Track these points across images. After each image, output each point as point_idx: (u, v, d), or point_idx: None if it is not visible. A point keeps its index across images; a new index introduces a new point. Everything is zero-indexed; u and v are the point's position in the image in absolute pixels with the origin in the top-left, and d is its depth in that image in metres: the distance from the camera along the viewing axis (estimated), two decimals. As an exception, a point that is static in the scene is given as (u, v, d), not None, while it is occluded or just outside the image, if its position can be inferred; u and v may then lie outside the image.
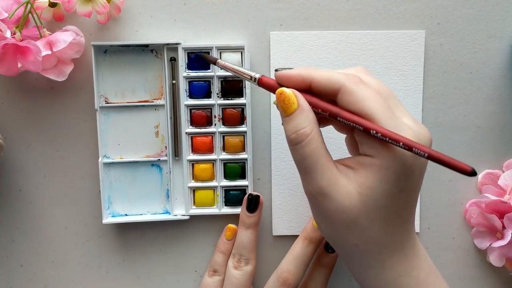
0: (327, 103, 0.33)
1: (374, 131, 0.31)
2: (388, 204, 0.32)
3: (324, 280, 0.44)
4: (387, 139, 0.30)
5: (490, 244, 0.44)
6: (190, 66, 0.43)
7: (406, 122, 0.32)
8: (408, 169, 0.31)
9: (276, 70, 0.35)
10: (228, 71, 0.38)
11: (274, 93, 0.34)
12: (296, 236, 0.44)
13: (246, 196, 0.44)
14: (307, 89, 0.33)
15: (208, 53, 0.43)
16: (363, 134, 0.32)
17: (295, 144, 0.33)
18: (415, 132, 0.31)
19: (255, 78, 0.36)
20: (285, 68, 0.35)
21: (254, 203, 0.43)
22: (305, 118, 0.33)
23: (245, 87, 0.43)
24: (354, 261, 0.34)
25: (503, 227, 0.43)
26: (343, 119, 0.32)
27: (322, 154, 0.32)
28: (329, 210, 0.32)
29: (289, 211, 0.45)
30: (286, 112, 0.33)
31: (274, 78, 0.35)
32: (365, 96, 0.31)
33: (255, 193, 0.44)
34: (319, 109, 0.33)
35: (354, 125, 0.32)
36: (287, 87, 0.34)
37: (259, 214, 0.44)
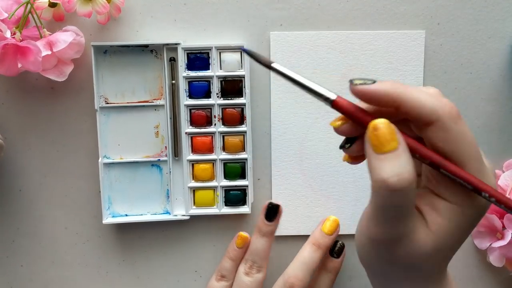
0: (431, 151, 0.28)
1: (487, 194, 0.27)
2: (456, 247, 0.30)
3: (329, 285, 0.44)
4: (491, 198, 0.28)
5: (490, 244, 0.44)
6: (190, 66, 0.43)
7: (488, 166, 0.29)
8: (482, 215, 0.30)
9: (351, 82, 0.29)
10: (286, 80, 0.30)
11: (350, 118, 0.29)
12: (296, 236, 0.44)
13: (266, 204, 0.43)
14: (393, 111, 0.28)
15: (208, 53, 0.43)
16: (448, 179, 0.28)
17: (393, 189, 0.26)
18: (492, 182, 0.29)
19: (327, 98, 0.29)
20: (364, 80, 0.29)
21: (274, 212, 0.43)
22: (407, 161, 0.27)
23: (244, 87, 0.43)
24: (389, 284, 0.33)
25: (503, 227, 0.43)
26: (449, 173, 0.27)
27: (411, 208, 0.28)
28: (396, 255, 0.29)
29: (289, 211, 0.45)
30: (380, 149, 0.27)
31: (351, 92, 0.29)
32: (462, 138, 0.27)
33: (275, 202, 0.43)
34: (417, 154, 0.28)
35: (461, 181, 0.27)
36: (368, 103, 0.29)
37: (276, 223, 0.43)
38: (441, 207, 0.29)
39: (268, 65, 0.30)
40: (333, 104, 0.29)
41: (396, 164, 0.27)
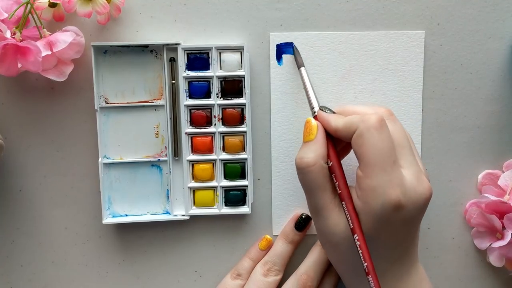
0: (342, 176, 0.37)
1: (348, 213, 0.36)
2: (367, 243, 0.35)
3: (333, 286, 0.44)
4: (349, 220, 0.35)
5: (490, 245, 0.44)
6: (190, 66, 0.43)
7: (403, 176, 0.34)
8: (384, 221, 0.34)
9: (321, 109, 0.39)
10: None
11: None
12: (296, 236, 0.44)
13: (298, 214, 0.44)
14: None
15: (208, 53, 0.43)
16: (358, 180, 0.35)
17: (297, 168, 0.37)
18: (405, 189, 0.34)
19: (313, 110, 0.39)
20: (327, 109, 0.39)
21: (304, 224, 0.44)
22: (313, 150, 0.36)
23: (244, 87, 0.43)
24: (338, 273, 0.40)
25: (503, 228, 0.43)
26: (339, 189, 0.36)
27: (320, 186, 0.36)
28: (319, 227, 0.38)
29: (289, 211, 0.45)
30: (304, 138, 0.38)
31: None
32: (372, 142, 0.34)
33: (307, 214, 0.44)
34: (332, 166, 0.37)
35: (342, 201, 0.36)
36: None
37: (304, 234, 0.44)
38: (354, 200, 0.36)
39: (299, 66, 0.42)
40: (315, 116, 0.39)
41: (304, 150, 0.37)
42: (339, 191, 0.36)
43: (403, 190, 0.34)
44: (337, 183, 0.36)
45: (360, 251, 0.34)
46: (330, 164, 0.37)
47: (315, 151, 0.36)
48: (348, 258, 0.36)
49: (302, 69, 0.41)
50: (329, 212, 0.36)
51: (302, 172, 0.37)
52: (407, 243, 0.37)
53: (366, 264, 0.34)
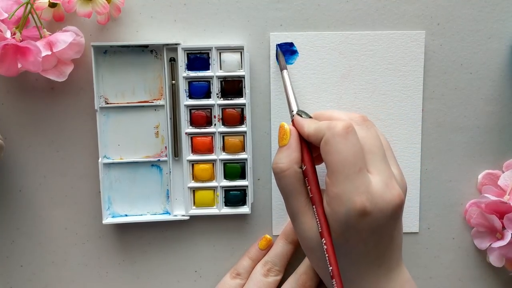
0: (314, 181, 0.36)
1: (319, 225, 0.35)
2: (338, 247, 0.35)
3: None
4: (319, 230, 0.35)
5: (490, 245, 0.44)
6: (190, 66, 0.43)
7: (370, 183, 0.34)
8: (351, 228, 0.34)
9: (298, 113, 0.39)
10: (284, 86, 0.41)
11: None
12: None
13: None
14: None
15: (208, 53, 0.43)
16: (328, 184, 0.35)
17: (273, 173, 0.37)
18: (372, 196, 0.34)
19: (292, 113, 0.39)
20: (304, 113, 0.38)
21: None
22: (286, 155, 0.37)
23: (244, 87, 0.43)
24: (320, 276, 0.41)
25: (503, 228, 0.43)
26: (312, 203, 0.36)
27: (294, 190, 0.37)
28: (297, 232, 0.38)
29: (289, 211, 0.45)
30: (279, 143, 0.38)
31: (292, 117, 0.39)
32: (336, 149, 0.34)
33: None
34: (305, 170, 0.37)
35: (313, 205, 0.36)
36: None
37: None
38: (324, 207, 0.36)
39: (281, 69, 0.42)
40: (292, 120, 0.39)
41: (278, 155, 0.37)
42: (311, 195, 0.36)
43: (369, 196, 0.34)
44: (309, 187, 0.36)
45: (327, 255, 0.34)
46: (304, 168, 0.37)
47: (288, 156, 0.36)
48: (324, 263, 0.36)
49: (284, 71, 0.41)
50: (304, 216, 0.37)
51: (277, 177, 0.37)
52: (382, 248, 0.36)
53: (331, 268, 0.34)
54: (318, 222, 0.35)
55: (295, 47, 0.43)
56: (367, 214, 0.34)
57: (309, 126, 0.37)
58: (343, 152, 0.34)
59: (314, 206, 0.36)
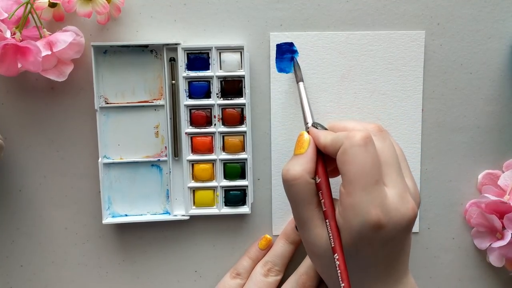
0: (328, 195, 0.36)
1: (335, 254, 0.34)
2: (348, 257, 0.35)
3: None
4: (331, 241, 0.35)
5: (490, 245, 0.44)
6: (190, 66, 0.43)
7: (386, 195, 0.34)
8: (364, 239, 0.34)
9: (313, 125, 0.39)
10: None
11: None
12: (296, 236, 0.44)
13: None
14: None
15: (208, 53, 0.43)
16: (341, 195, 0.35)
17: (282, 179, 0.37)
18: (387, 209, 0.33)
19: (307, 125, 0.39)
20: (320, 125, 0.38)
21: None
22: (301, 163, 0.36)
23: (244, 87, 0.43)
24: (325, 282, 0.40)
25: (503, 228, 0.43)
26: (324, 215, 0.36)
27: (304, 199, 0.36)
28: (303, 238, 0.38)
29: (289, 211, 0.45)
30: (295, 151, 0.37)
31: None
32: (354, 159, 0.34)
33: None
34: (319, 183, 0.36)
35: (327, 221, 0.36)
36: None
37: None
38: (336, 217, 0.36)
39: (297, 81, 0.42)
40: (307, 130, 0.39)
41: (292, 162, 0.36)
42: (324, 209, 0.36)
43: (384, 210, 0.33)
44: (323, 201, 0.36)
45: (339, 271, 0.34)
46: (318, 180, 0.36)
47: (302, 165, 0.36)
48: (331, 270, 0.36)
49: (301, 84, 0.41)
50: (313, 225, 0.36)
51: (287, 184, 0.36)
52: (391, 260, 0.36)
53: (343, 284, 0.33)
54: (331, 236, 0.35)
55: (295, 47, 0.43)
56: (381, 227, 0.33)
57: (325, 137, 0.36)
58: (361, 163, 0.33)
59: (327, 220, 0.35)
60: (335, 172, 0.38)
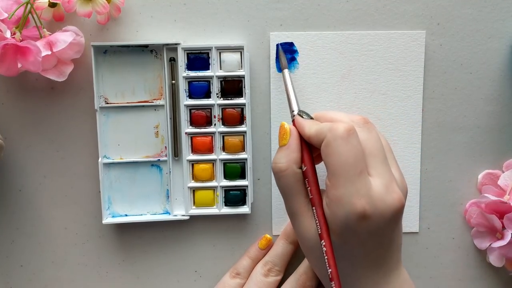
0: (315, 182, 0.36)
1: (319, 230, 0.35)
2: (337, 249, 0.35)
3: None
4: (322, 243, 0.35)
5: (490, 244, 0.44)
6: (190, 66, 0.43)
7: (371, 186, 0.34)
8: (350, 230, 0.34)
9: (299, 113, 0.38)
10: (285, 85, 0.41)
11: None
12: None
13: None
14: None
15: (208, 53, 0.43)
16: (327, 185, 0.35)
17: (274, 174, 0.37)
18: (372, 199, 0.34)
19: (293, 113, 0.39)
20: (305, 114, 0.38)
21: None
22: (286, 155, 0.36)
23: (244, 87, 0.43)
24: (318, 277, 0.40)
25: (503, 227, 0.43)
26: (312, 205, 0.36)
27: (293, 190, 0.36)
28: (295, 231, 0.38)
29: (289, 211, 0.45)
30: (279, 142, 0.38)
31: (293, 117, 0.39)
32: (337, 151, 0.34)
33: None
34: (305, 171, 0.37)
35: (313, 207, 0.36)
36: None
37: None
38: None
39: (281, 68, 0.42)
40: (293, 120, 0.39)
41: (278, 155, 0.37)
42: (311, 196, 0.36)
43: (369, 200, 0.34)
44: (309, 188, 0.36)
45: (326, 257, 0.34)
46: (304, 168, 0.37)
47: (287, 156, 0.36)
48: (323, 263, 0.36)
49: (285, 70, 0.41)
50: (303, 216, 0.37)
51: (277, 176, 0.37)
52: (381, 250, 0.36)
53: (330, 270, 0.34)
54: (318, 224, 0.35)
55: (295, 46, 0.43)
56: (367, 217, 0.34)
57: (310, 128, 0.36)
58: (344, 155, 0.34)
59: (313, 208, 0.36)
60: (321, 158, 0.38)
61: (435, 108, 0.45)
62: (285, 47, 0.43)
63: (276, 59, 0.43)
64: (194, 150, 0.44)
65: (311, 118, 0.38)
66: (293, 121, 0.39)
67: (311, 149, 0.37)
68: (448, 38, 0.44)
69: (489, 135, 0.45)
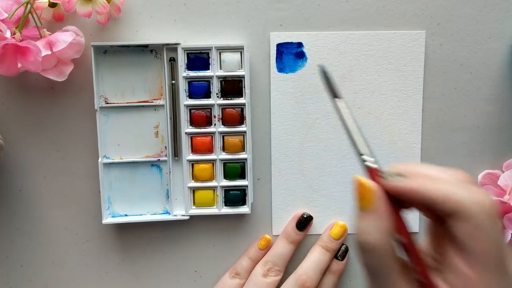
0: (419, 254, 0.28)
1: None
2: None
3: (332, 286, 0.44)
4: None
5: (490, 245, 0.44)
6: (190, 66, 0.43)
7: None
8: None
9: (381, 174, 0.28)
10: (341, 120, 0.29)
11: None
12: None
13: (300, 214, 0.45)
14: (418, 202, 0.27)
15: (208, 53, 0.43)
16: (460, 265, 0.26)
17: (360, 249, 0.28)
18: None
19: (365, 163, 0.28)
20: (392, 174, 0.28)
21: (305, 223, 0.44)
22: (375, 225, 0.27)
23: (244, 87, 0.43)
24: None
25: (503, 228, 0.43)
26: (410, 258, 0.27)
27: (389, 269, 0.27)
28: None
29: (289, 211, 0.45)
30: (360, 207, 0.28)
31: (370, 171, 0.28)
32: (488, 236, 0.26)
33: (308, 213, 0.45)
34: (406, 246, 0.28)
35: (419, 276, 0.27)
36: (398, 197, 0.27)
37: (305, 234, 0.45)
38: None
39: (333, 96, 0.29)
40: (367, 170, 0.28)
41: (364, 225, 0.27)
42: (421, 278, 0.27)
43: None
44: (416, 269, 0.28)
45: None
46: (400, 240, 0.28)
47: (378, 227, 0.27)
48: None
49: (339, 101, 0.29)
50: None
51: (367, 254, 0.28)
52: None
53: None
54: None
55: (303, 47, 0.43)
56: None
57: (437, 194, 0.26)
58: (495, 239, 0.26)
59: None
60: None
61: (435, 108, 0.45)
62: (288, 48, 0.43)
63: (276, 61, 0.43)
64: (194, 150, 0.44)
65: (399, 175, 0.28)
66: (370, 172, 0.28)
67: (401, 213, 0.28)
68: (448, 38, 0.44)
69: (489, 135, 0.45)
